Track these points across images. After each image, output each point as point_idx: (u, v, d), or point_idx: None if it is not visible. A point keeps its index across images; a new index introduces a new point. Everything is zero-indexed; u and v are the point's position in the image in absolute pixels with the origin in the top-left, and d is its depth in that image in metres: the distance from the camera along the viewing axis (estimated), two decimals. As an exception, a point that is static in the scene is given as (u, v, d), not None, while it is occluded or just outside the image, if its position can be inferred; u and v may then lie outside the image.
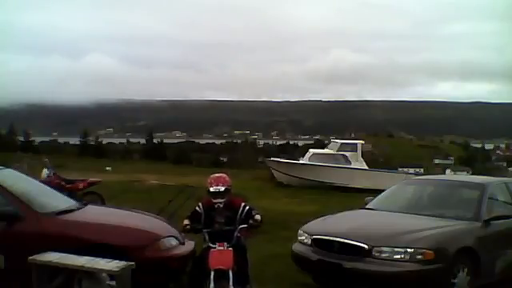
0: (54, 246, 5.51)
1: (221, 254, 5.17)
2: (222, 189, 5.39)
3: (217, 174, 5.60)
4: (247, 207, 5.51)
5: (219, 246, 5.24)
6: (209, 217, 5.45)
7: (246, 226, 5.40)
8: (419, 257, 6.05)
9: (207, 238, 5.37)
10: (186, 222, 5.49)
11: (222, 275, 5.11)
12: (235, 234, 5.35)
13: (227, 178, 5.54)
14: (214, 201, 5.41)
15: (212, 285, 5.05)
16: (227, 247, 5.23)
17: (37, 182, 7.85)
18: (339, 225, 7.11)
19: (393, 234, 6.45)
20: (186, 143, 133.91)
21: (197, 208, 5.54)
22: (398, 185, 8.80)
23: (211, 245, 5.29)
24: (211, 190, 5.40)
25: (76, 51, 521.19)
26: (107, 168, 39.74)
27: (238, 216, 5.44)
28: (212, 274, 5.09)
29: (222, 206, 5.41)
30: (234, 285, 5.08)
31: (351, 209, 8.27)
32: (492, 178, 9.03)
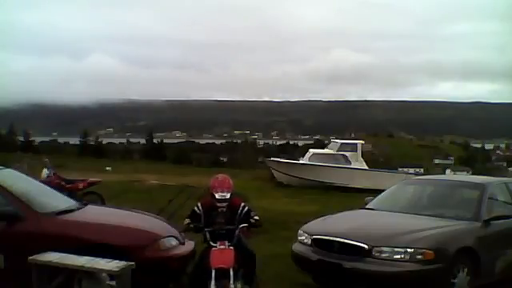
0: (54, 246, 5.51)
1: (222, 253, 5.18)
2: (228, 196, 5.42)
3: (220, 177, 5.56)
4: (246, 207, 5.53)
5: (220, 244, 5.25)
6: (209, 217, 5.45)
7: (246, 225, 5.41)
8: (419, 257, 6.05)
9: (208, 236, 5.37)
10: (188, 221, 5.49)
11: (223, 274, 5.11)
12: (236, 233, 5.36)
13: (231, 182, 5.53)
14: (219, 205, 5.42)
15: (213, 283, 5.06)
16: (228, 246, 5.25)
17: (37, 182, 7.84)
18: (339, 225, 7.11)
19: (393, 234, 6.44)
20: (186, 143, 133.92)
21: (195, 209, 5.53)
22: (398, 185, 8.80)
23: (212, 244, 5.29)
24: (217, 196, 5.40)
25: (77, 51, 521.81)
26: (107, 168, 39.70)
27: (238, 216, 5.45)
28: (213, 272, 5.10)
29: (225, 209, 5.43)
30: (234, 283, 5.09)
31: (351, 209, 8.27)
32: (492, 177, 9.03)
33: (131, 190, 20.28)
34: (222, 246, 5.24)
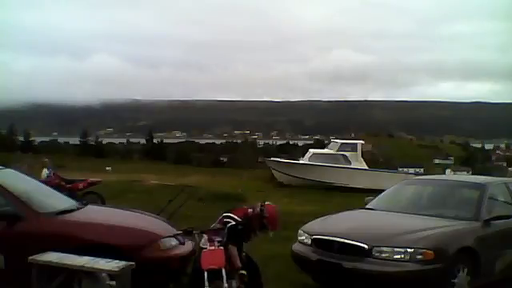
0: (54, 245, 5.50)
1: (212, 254, 5.19)
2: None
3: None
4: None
5: (210, 246, 5.27)
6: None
7: (233, 223, 5.48)
8: (419, 257, 6.05)
9: (201, 239, 5.41)
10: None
11: (216, 275, 5.10)
12: (224, 231, 5.38)
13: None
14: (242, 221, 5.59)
15: (206, 284, 5.05)
16: (218, 246, 5.25)
17: (37, 182, 7.83)
18: (339, 225, 7.11)
19: (393, 234, 6.44)
20: (186, 143, 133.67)
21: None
22: (398, 185, 8.79)
23: (202, 246, 5.33)
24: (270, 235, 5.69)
25: (77, 51, 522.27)
26: (107, 168, 39.78)
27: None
28: (205, 274, 5.10)
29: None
30: (227, 282, 5.10)
31: (351, 209, 8.27)
32: (492, 177, 9.03)
33: (131, 190, 20.28)
34: (211, 247, 5.24)
